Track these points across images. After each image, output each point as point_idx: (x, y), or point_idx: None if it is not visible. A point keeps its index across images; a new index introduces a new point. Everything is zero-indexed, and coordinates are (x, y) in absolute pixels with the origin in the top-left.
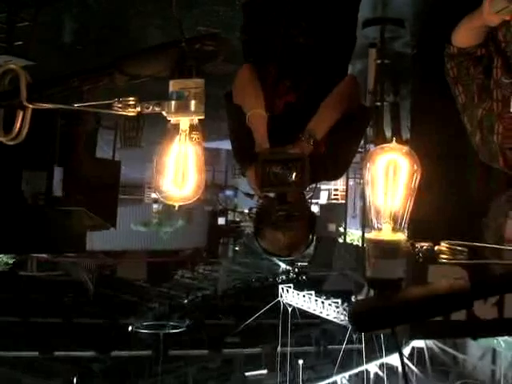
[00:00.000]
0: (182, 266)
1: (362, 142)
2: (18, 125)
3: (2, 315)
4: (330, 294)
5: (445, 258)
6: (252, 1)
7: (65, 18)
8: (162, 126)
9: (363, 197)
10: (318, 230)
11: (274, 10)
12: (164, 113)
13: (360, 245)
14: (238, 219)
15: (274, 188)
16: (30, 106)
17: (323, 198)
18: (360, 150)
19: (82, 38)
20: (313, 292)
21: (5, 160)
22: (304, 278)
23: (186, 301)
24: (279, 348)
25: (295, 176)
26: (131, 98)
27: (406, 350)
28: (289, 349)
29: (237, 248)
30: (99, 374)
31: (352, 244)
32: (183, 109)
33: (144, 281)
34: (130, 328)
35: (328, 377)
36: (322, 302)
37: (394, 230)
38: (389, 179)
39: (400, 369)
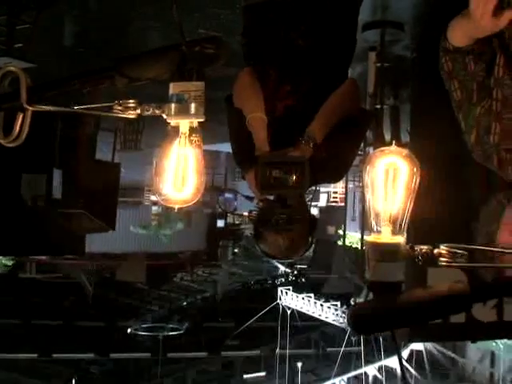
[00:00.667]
0: (181, 269)
1: (362, 144)
2: (18, 127)
3: (1, 317)
4: (329, 297)
5: (444, 261)
6: (253, 4)
7: (65, 21)
8: (162, 129)
9: (363, 200)
10: (318, 232)
11: (275, 14)
12: (164, 115)
13: (359, 247)
14: (237, 222)
15: (274, 191)
16: (30, 108)
17: (322, 201)
18: (359, 152)
19: (82, 41)
20: (312, 294)
21: (4, 162)
22: (303, 280)
23: (185, 303)
24: (278, 350)
25: (295, 179)
26: (131, 101)
27: (405, 353)
28: (288, 351)
29: (236, 250)
30: (98, 377)
31: (351, 247)
32: (183, 111)
33: (143, 283)
34: (129, 330)
35: (327, 379)
36: (321, 305)
37: (394, 232)
38: (388, 182)
39: (399, 371)
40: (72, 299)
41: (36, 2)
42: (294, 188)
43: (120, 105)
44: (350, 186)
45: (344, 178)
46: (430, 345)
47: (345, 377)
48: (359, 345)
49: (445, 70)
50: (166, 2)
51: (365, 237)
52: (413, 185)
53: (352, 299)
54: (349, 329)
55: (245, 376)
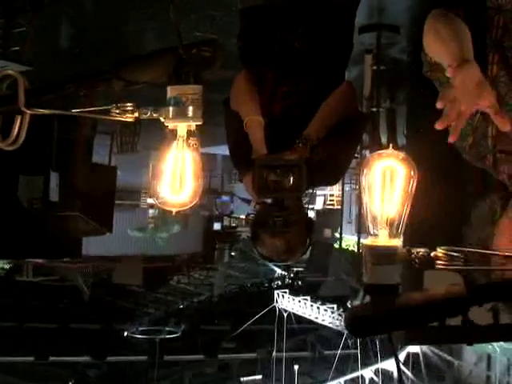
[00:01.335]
0: (177, 272)
1: (358, 147)
2: (16, 130)
3: None
4: (325, 300)
5: (441, 264)
6: (249, 7)
7: (61, 24)
8: (159, 131)
9: (359, 203)
10: (314, 235)
11: (272, 17)
12: (162, 119)
13: (356, 250)
14: (233, 224)
15: (271, 194)
16: (28, 111)
17: (319, 204)
18: (356, 155)
19: (78, 43)
20: (308, 297)
21: (1, 164)
22: (299, 283)
23: (181, 306)
24: (275, 353)
25: (292, 182)
26: (129, 104)
27: (402, 356)
28: (284, 354)
29: (233, 253)
30: (95, 380)
31: (348, 249)
32: (181, 115)
33: (140, 286)
34: (125, 333)
35: (323, 382)
36: (318, 308)
37: (391, 236)
38: (385, 185)
39: (395, 374)
40: (68, 302)
41: (32, 5)
42: (291, 191)
43: (118, 108)
44: (347, 188)
45: (340, 181)
46: (426, 347)
47: (341, 379)
48: (356, 347)
49: (433, 79)
50: (162, 3)
51: (362, 240)
52: (410, 188)
53: (348, 302)
54: (345, 331)
55: (241, 379)
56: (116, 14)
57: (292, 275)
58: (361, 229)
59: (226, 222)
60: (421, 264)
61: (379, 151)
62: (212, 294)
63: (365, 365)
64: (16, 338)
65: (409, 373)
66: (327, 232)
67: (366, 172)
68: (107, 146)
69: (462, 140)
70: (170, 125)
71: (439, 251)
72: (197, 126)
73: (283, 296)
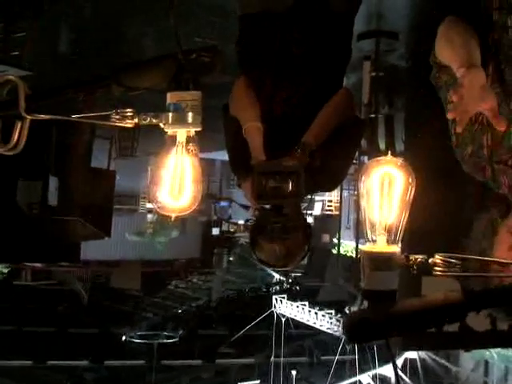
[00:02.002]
0: (176, 276)
1: (356, 153)
2: (17, 135)
3: None
4: (323, 305)
5: (439, 271)
6: (249, 13)
7: (61, 29)
8: (157, 136)
9: (357, 209)
10: (312, 240)
11: (271, 23)
12: (161, 124)
13: (354, 256)
14: (232, 230)
15: (270, 200)
16: (28, 116)
17: (317, 210)
18: (354, 161)
19: (78, 49)
20: (306, 303)
21: (0, 169)
22: (298, 288)
23: (179, 311)
24: (272, 358)
25: (291, 188)
26: (129, 110)
27: (399, 361)
28: (282, 359)
29: (231, 258)
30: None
31: (346, 255)
32: (180, 121)
33: (138, 290)
34: (123, 337)
35: None
36: (316, 313)
37: (389, 242)
38: (384, 192)
39: (393, 380)
40: (67, 306)
41: (31, 10)
42: (289, 197)
43: (117, 113)
44: (345, 194)
45: (339, 187)
46: (423, 353)
47: None
48: (353, 353)
49: (439, 83)
50: (162, 9)
51: (360, 246)
52: (408, 194)
53: (346, 307)
54: (343, 337)
55: None
56: (116, 20)
57: (290, 280)
58: (359, 235)
59: (224, 228)
60: (419, 270)
61: (377, 157)
62: (210, 298)
63: (362, 370)
64: (14, 341)
65: (406, 378)
66: (325, 238)
67: (365, 178)
68: (106, 150)
69: (462, 148)
70: (170, 131)
71: (437, 258)
72: (196, 131)
73: (281, 301)
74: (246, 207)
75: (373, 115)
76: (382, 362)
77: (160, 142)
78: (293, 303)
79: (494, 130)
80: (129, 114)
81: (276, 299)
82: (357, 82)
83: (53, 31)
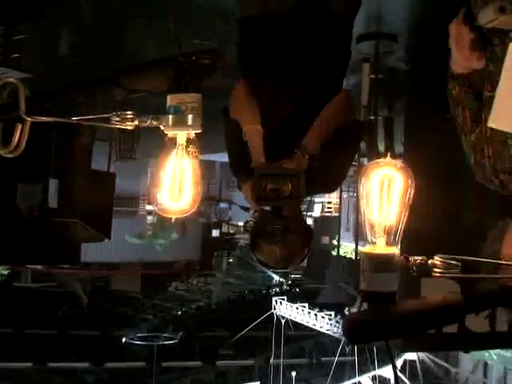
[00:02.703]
0: (175, 278)
1: (356, 155)
2: (17, 138)
3: None
4: (323, 307)
5: (438, 272)
6: (249, 16)
7: (61, 31)
8: (157, 139)
9: (357, 211)
10: (312, 242)
11: (271, 26)
12: (161, 127)
13: (353, 257)
14: (231, 231)
15: (270, 202)
16: (29, 119)
17: (317, 211)
18: (354, 163)
19: (78, 51)
20: (306, 304)
21: (0, 172)
22: (297, 290)
23: (179, 313)
24: (272, 360)
25: (291, 190)
26: (129, 112)
27: (399, 363)
28: (282, 361)
29: (230, 260)
30: None
31: (345, 257)
32: (180, 123)
33: (138, 293)
34: (123, 340)
35: None
36: (315, 314)
37: (388, 243)
38: (383, 194)
39: (392, 381)
40: (67, 308)
41: (32, 13)
42: (289, 199)
43: (118, 116)
44: (344, 196)
45: (338, 189)
46: (423, 354)
47: None
48: (353, 354)
49: (452, 96)
50: (161, 12)
51: (359, 247)
52: (407, 196)
53: (346, 309)
54: (343, 338)
55: None
56: (116, 23)
57: (290, 282)
58: (358, 236)
59: (224, 229)
60: (418, 272)
61: (377, 160)
62: (210, 300)
63: (362, 371)
64: (14, 344)
65: (406, 380)
66: (325, 239)
67: (364, 180)
68: (106, 153)
69: (468, 157)
70: (170, 133)
71: (436, 259)
72: (196, 133)
73: (281, 303)
74: (245, 209)
75: (372, 117)
76: (382, 364)
77: (160, 144)
78: (292, 305)
79: (493, 141)
80: (129, 116)
81: (276, 301)
82: (356, 84)
83: (53, 34)
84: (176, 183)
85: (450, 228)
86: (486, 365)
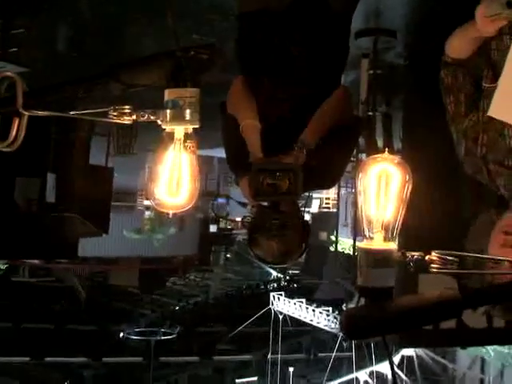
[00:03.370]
0: (173, 274)
1: (354, 151)
2: (14, 132)
3: None
4: (320, 302)
5: (435, 268)
6: (247, 12)
7: (60, 26)
8: (155, 133)
9: (355, 206)
10: (310, 238)
11: (269, 22)
12: (159, 121)
13: (351, 253)
14: (229, 227)
15: (268, 197)
16: (26, 113)
17: (315, 207)
18: (352, 159)
19: (76, 45)
20: (304, 300)
21: None
22: (295, 285)
23: (177, 308)
24: (270, 355)
25: (288, 185)
26: (127, 107)
27: (396, 359)
28: (279, 356)
29: (228, 255)
30: (90, 380)
31: (343, 252)
32: (178, 118)
33: (136, 288)
34: (121, 334)
35: None
36: (313, 310)
37: (386, 239)
38: (381, 189)
39: (390, 377)
40: (65, 303)
41: (30, 7)
42: (287, 194)
43: (115, 110)
44: (342, 192)
45: (336, 184)
46: (420, 351)
47: (336, 382)
48: (350, 350)
49: (443, 85)
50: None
51: (357, 243)
52: (405, 192)
53: (343, 304)
54: (340, 334)
55: (237, 381)
56: (114, 17)
57: (288, 278)
58: (356, 232)
59: (222, 225)
60: (416, 267)
61: (375, 155)
62: (208, 295)
63: (359, 367)
64: (11, 338)
65: (403, 375)
66: (323, 235)
67: (362, 176)
68: (104, 147)
69: (460, 145)
70: (168, 128)
71: (434, 255)
72: (194, 128)
73: (279, 298)
74: (243, 204)
75: (370, 113)
76: (379, 359)
77: (158, 139)
78: (290, 300)
79: (489, 130)
80: (127, 110)
81: (273, 296)
82: (354, 80)
83: (51, 28)
84: (174, 178)
85: (448, 224)
86: (483, 361)
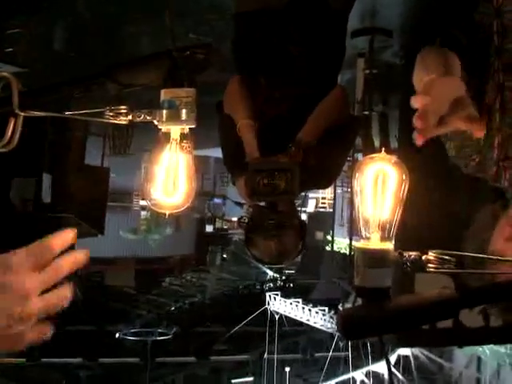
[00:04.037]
0: (169, 274)
1: (351, 151)
2: (10, 132)
3: None
4: (317, 302)
5: (432, 267)
6: (244, 12)
7: (56, 26)
8: (151, 133)
9: (351, 206)
10: (306, 238)
11: (266, 21)
12: (155, 121)
13: (347, 253)
14: (226, 227)
15: (264, 197)
16: (22, 113)
17: (311, 207)
18: (348, 159)
19: (73, 46)
20: (300, 300)
21: None
22: (291, 285)
23: (173, 308)
24: (266, 355)
25: (285, 185)
26: (123, 107)
27: (392, 358)
28: (276, 356)
29: (225, 256)
30: (87, 381)
31: (339, 252)
32: (174, 118)
33: (132, 288)
34: (117, 335)
35: None
36: (310, 310)
37: (382, 239)
38: (377, 189)
39: (386, 376)
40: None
41: (27, 7)
42: (283, 194)
43: (111, 111)
44: (339, 191)
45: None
46: (416, 350)
47: (332, 382)
48: (347, 350)
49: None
50: (157, 7)
51: (354, 243)
52: (401, 192)
53: (340, 304)
54: (337, 334)
55: (233, 381)
56: (111, 17)
57: (284, 278)
58: (352, 232)
59: (218, 225)
60: (412, 267)
61: (371, 155)
62: (204, 296)
63: (356, 367)
64: None
65: (399, 375)
66: (319, 235)
67: (358, 175)
68: (100, 148)
69: (466, 159)
70: (164, 128)
71: (430, 254)
72: (190, 128)
73: (275, 298)
74: (240, 204)
75: (367, 113)
76: (376, 359)
77: (154, 139)
78: (286, 300)
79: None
80: (123, 110)
81: (270, 296)
82: (351, 79)
83: (48, 28)
84: (170, 178)
85: (446, 223)
86: (479, 360)
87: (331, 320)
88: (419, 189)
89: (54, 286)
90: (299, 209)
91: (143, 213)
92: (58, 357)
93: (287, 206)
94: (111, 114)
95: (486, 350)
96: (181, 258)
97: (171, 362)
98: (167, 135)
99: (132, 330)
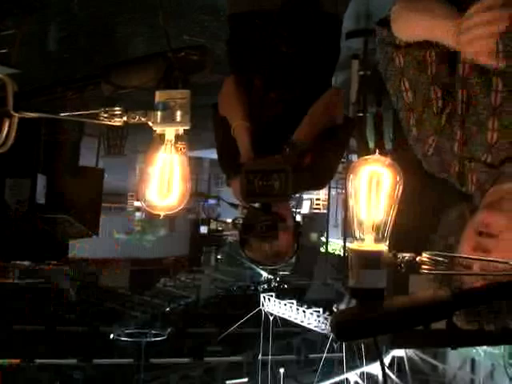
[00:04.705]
0: (164, 275)
1: (345, 152)
2: (5, 133)
3: None
4: (311, 303)
5: (426, 269)
6: (238, 13)
7: (50, 27)
8: (145, 135)
9: (346, 208)
10: (301, 239)
11: (260, 22)
12: (150, 123)
13: (341, 254)
14: (220, 228)
15: (259, 199)
16: (16, 114)
17: (305, 208)
18: (343, 160)
19: (67, 47)
20: (294, 301)
21: None
22: (286, 286)
23: (167, 309)
24: (260, 356)
25: (279, 186)
26: (117, 108)
27: (386, 359)
28: (270, 357)
29: (219, 257)
30: (81, 382)
31: (333, 253)
32: (169, 119)
33: (126, 289)
34: (111, 336)
35: None
36: (304, 311)
37: (377, 240)
38: (371, 190)
39: (380, 377)
40: (55, 304)
41: (20, 8)
42: (278, 196)
43: (106, 112)
44: (333, 192)
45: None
46: (411, 351)
47: (327, 383)
48: (341, 351)
49: (394, 67)
50: (151, 7)
51: (348, 244)
52: (396, 193)
53: (334, 306)
54: (331, 335)
55: (227, 382)
56: (106, 18)
57: (278, 279)
58: (347, 233)
59: (212, 226)
60: (406, 268)
61: (365, 156)
62: (198, 297)
63: (350, 368)
64: (1, 340)
65: (393, 376)
66: (313, 236)
67: (352, 177)
68: (94, 149)
69: (423, 143)
70: (158, 129)
71: (425, 256)
72: (184, 130)
73: (269, 299)
74: (234, 206)
75: (361, 114)
76: (370, 360)
77: (148, 140)
78: (281, 301)
79: (465, 124)
80: (117, 112)
81: (264, 297)
82: (345, 80)
83: (42, 29)
84: (164, 180)
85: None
86: (473, 361)
87: (325, 321)
88: (413, 190)
89: None
90: (294, 210)
91: (138, 214)
92: (52, 358)
93: (282, 208)
94: (106, 115)
95: (480, 352)
96: (175, 259)
97: (165, 362)
98: (162, 137)
99: (126, 331)
